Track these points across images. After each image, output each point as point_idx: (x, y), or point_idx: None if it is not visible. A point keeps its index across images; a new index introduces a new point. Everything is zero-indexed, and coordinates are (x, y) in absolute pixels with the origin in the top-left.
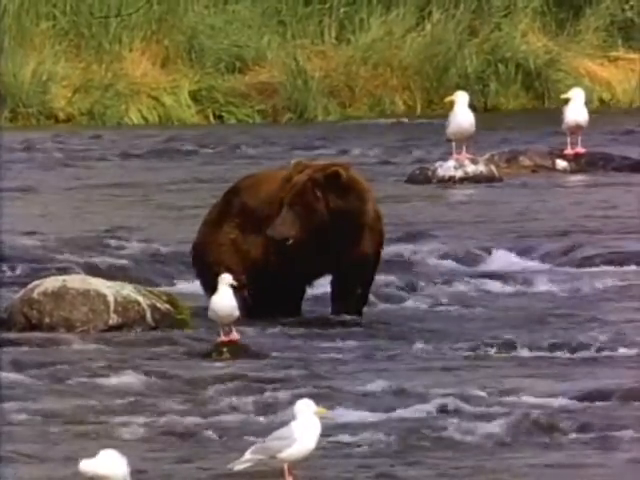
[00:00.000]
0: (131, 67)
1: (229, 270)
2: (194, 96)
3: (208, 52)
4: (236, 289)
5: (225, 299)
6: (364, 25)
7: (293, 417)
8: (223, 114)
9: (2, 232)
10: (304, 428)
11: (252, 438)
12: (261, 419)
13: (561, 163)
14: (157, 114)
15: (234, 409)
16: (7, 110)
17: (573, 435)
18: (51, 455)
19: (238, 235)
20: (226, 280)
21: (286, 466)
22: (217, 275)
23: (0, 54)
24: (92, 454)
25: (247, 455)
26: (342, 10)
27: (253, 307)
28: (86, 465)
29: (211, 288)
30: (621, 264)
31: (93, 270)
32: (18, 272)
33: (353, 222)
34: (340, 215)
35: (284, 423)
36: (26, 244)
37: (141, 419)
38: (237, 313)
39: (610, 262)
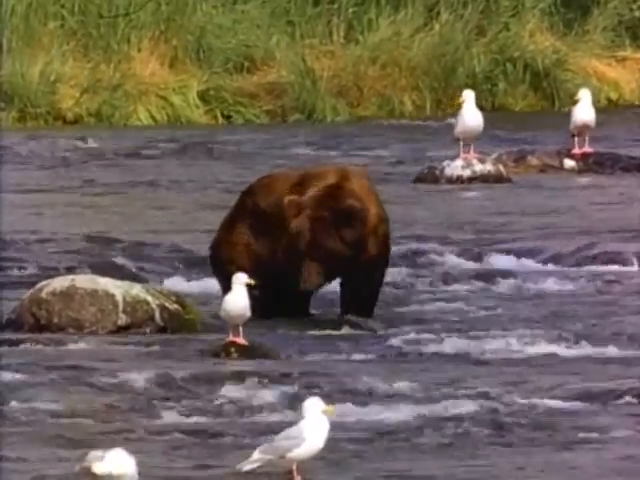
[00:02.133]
0: (139, 67)
1: (241, 270)
2: (202, 96)
3: (216, 52)
4: (249, 289)
5: (238, 298)
6: (372, 25)
7: (301, 416)
8: (231, 114)
9: (10, 232)
10: (313, 427)
11: (260, 437)
12: (269, 418)
13: (569, 163)
14: (165, 114)
15: (242, 408)
16: (15, 110)
17: (573, 435)
18: (57, 455)
19: (250, 236)
20: (240, 279)
21: (295, 466)
22: (230, 274)
23: (8, 54)
24: (100, 454)
25: (255, 455)
26: (350, 10)
27: (262, 307)
28: (95, 464)
29: (225, 287)
30: (628, 264)
31: (102, 270)
32: (26, 272)
33: (356, 234)
34: (354, 239)
35: (292, 422)
36: (34, 244)
37: (149, 419)
38: (249, 313)
39: (617, 262)
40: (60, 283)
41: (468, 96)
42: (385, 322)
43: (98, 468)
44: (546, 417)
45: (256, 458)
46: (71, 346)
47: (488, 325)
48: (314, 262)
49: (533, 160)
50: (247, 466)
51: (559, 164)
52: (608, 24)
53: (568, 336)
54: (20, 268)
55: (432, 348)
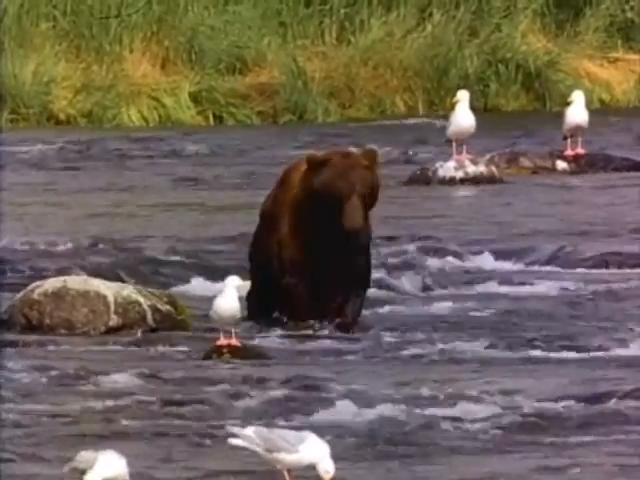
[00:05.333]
0: (131, 68)
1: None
2: (194, 97)
3: (208, 53)
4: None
5: (228, 301)
6: (364, 26)
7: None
8: (223, 115)
9: (2, 233)
10: (314, 447)
11: None
12: (261, 420)
13: (561, 164)
14: (157, 115)
15: (234, 410)
16: (7, 111)
17: (571, 437)
18: (50, 455)
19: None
20: (230, 282)
21: (286, 469)
22: None
23: (0, 55)
24: (90, 454)
25: (249, 432)
26: (342, 11)
27: (254, 309)
28: (87, 475)
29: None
30: (621, 265)
31: (93, 271)
32: (19, 273)
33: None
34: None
35: (294, 427)
36: (27, 245)
37: (141, 420)
38: (239, 315)
39: (610, 263)
40: (52, 284)
41: (463, 96)
42: (376, 323)
43: (91, 478)
44: (543, 418)
45: (249, 435)
46: (62, 347)
47: (480, 326)
48: (357, 200)
49: (525, 161)
50: (237, 440)
51: (551, 165)
52: (600, 25)
53: (563, 337)
54: (12, 269)
55: (422, 348)
